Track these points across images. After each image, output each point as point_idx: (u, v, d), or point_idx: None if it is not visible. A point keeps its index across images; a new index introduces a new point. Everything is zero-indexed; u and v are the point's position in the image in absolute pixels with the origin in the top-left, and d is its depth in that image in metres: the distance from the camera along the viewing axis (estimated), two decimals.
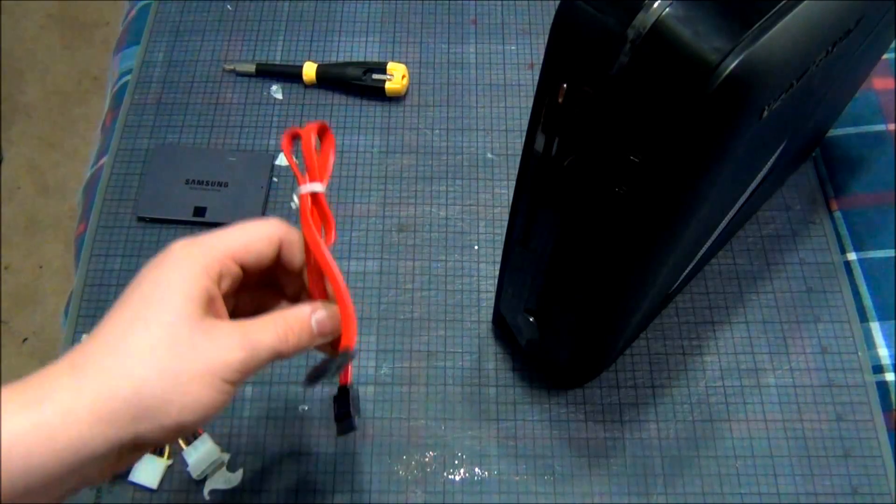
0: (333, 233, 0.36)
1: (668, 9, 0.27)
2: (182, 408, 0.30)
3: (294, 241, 0.36)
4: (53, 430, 0.28)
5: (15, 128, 1.56)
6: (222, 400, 0.31)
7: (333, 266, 0.35)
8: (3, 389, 0.28)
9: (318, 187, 0.36)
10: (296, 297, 0.39)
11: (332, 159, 0.37)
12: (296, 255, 0.36)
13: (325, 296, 0.37)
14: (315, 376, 0.35)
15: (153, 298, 0.31)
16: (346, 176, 0.61)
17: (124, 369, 0.29)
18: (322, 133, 0.37)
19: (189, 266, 0.32)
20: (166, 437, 0.31)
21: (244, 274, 0.35)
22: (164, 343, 0.30)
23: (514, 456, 0.50)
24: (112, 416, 0.29)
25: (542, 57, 0.32)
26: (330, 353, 0.38)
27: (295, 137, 0.37)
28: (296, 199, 0.36)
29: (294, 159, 0.37)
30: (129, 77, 0.67)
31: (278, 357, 0.34)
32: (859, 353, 0.53)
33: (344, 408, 0.39)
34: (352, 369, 0.39)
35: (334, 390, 0.40)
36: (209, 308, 0.32)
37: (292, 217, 0.51)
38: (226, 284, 0.34)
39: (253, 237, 0.35)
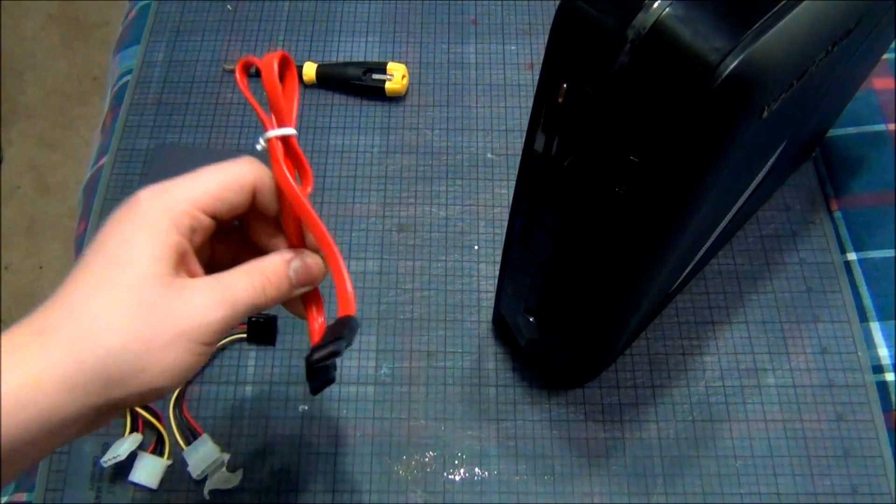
0: (310, 179, 0.33)
1: (668, 9, 0.27)
2: (156, 374, 0.29)
3: (269, 184, 0.33)
4: (22, 400, 0.27)
5: (15, 128, 1.56)
6: (199, 361, 0.30)
7: (318, 221, 0.32)
8: None
9: (290, 130, 0.32)
10: (274, 244, 0.35)
11: (297, 95, 0.32)
12: (271, 201, 0.33)
13: (303, 243, 0.34)
14: (320, 360, 0.31)
15: (119, 259, 0.29)
16: (346, 176, 0.61)
17: (93, 337, 0.28)
18: (284, 65, 0.31)
19: (156, 221, 0.30)
20: (142, 401, 0.29)
21: (218, 222, 0.32)
22: (134, 308, 0.28)
23: (514, 456, 0.50)
24: (83, 384, 0.28)
25: (542, 57, 0.32)
26: (302, 314, 0.36)
27: (249, 67, 0.32)
28: (262, 142, 0.32)
29: (253, 97, 0.32)
30: (129, 77, 0.67)
31: (255, 311, 0.32)
32: (859, 353, 0.53)
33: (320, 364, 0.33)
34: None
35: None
36: (181, 265, 0.30)
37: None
38: (198, 237, 0.32)
39: (224, 184, 0.32)
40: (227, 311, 0.30)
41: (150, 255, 0.29)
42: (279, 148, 0.31)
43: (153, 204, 0.30)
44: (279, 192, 0.33)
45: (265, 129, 0.32)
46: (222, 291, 0.30)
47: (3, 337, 0.28)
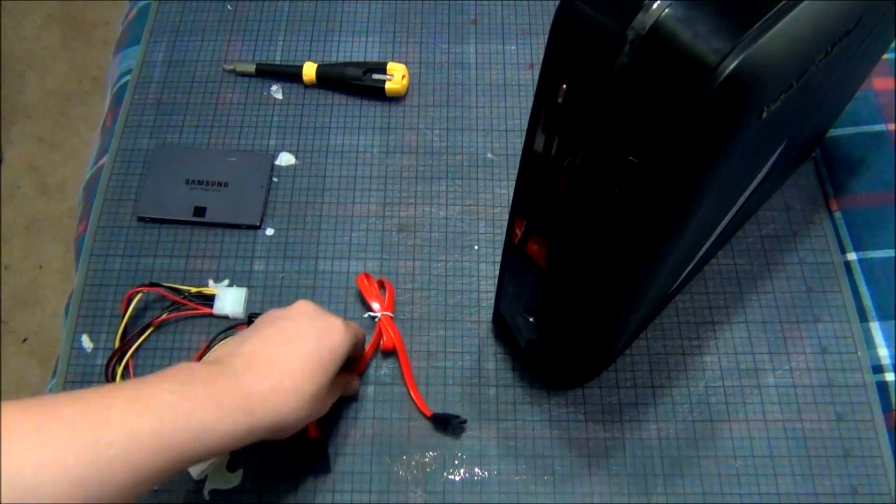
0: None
1: (667, 9, 0.27)
2: (294, 430, 0.42)
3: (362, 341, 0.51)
4: (240, 440, 0.39)
5: (15, 128, 1.56)
6: None
7: (406, 359, 0.53)
8: (209, 404, 0.38)
9: (389, 314, 0.54)
10: None
11: (392, 297, 0.55)
12: (360, 349, 0.51)
13: (361, 371, 0.53)
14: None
15: (323, 362, 0.43)
16: (346, 176, 0.61)
17: (295, 413, 0.41)
18: (384, 283, 0.56)
19: (346, 348, 0.45)
20: None
21: None
22: (317, 395, 0.42)
23: (514, 456, 0.50)
24: (271, 435, 0.41)
25: (542, 57, 0.32)
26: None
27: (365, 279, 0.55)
28: (372, 314, 0.54)
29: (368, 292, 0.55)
30: (129, 77, 0.67)
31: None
32: (859, 353, 0.53)
33: (322, 450, 0.50)
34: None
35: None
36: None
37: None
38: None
39: (359, 336, 0.49)
40: (327, 407, 0.46)
41: (336, 366, 0.44)
42: (384, 321, 0.54)
43: (346, 336, 0.45)
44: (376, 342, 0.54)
45: (371, 310, 0.54)
46: (339, 391, 0.48)
47: (241, 388, 0.39)
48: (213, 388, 0.38)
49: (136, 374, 0.52)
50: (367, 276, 0.55)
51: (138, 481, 0.34)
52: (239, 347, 0.42)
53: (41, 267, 1.40)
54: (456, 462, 0.50)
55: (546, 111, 0.33)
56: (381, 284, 0.56)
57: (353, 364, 0.51)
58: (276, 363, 0.41)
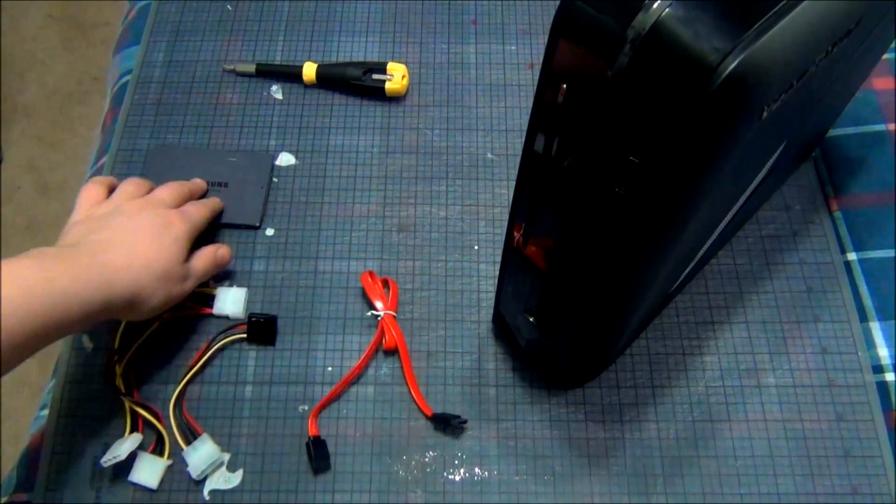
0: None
1: (668, 9, 0.27)
2: (152, 308, 0.48)
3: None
4: (100, 307, 0.44)
5: (15, 128, 1.56)
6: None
7: (408, 357, 0.53)
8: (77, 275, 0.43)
9: (392, 312, 0.54)
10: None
11: (395, 296, 0.55)
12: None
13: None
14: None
15: (167, 251, 0.48)
16: (346, 176, 0.61)
17: (151, 288, 0.47)
18: (388, 282, 0.56)
19: (187, 234, 0.51)
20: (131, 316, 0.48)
21: None
22: (170, 273, 0.48)
23: (514, 456, 0.50)
24: (129, 313, 0.47)
25: (542, 57, 0.32)
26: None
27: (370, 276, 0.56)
28: (375, 313, 0.54)
29: (373, 292, 0.55)
30: (129, 77, 0.67)
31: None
32: (859, 353, 0.53)
33: (322, 450, 0.50)
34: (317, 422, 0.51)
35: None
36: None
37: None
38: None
39: (197, 220, 0.53)
40: (194, 282, 0.51)
41: (183, 251, 0.50)
42: (386, 319, 0.54)
43: (185, 227, 0.51)
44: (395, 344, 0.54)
45: (374, 308, 0.54)
46: (196, 272, 0.52)
47: (68, 263, 0.44)
48: (72, 262, 0.43)
49: (136, 375, 0.52)
50: (371, 274, 0.55)
51: (8, 346, 0.38)
52: (90, 235, 0.47)
53: None
54: (456, 462, 0.50)
55: (546, 111, 0.33)
56: (386, 283, 0.56)
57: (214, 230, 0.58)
58: (126, 245, 0.47)
